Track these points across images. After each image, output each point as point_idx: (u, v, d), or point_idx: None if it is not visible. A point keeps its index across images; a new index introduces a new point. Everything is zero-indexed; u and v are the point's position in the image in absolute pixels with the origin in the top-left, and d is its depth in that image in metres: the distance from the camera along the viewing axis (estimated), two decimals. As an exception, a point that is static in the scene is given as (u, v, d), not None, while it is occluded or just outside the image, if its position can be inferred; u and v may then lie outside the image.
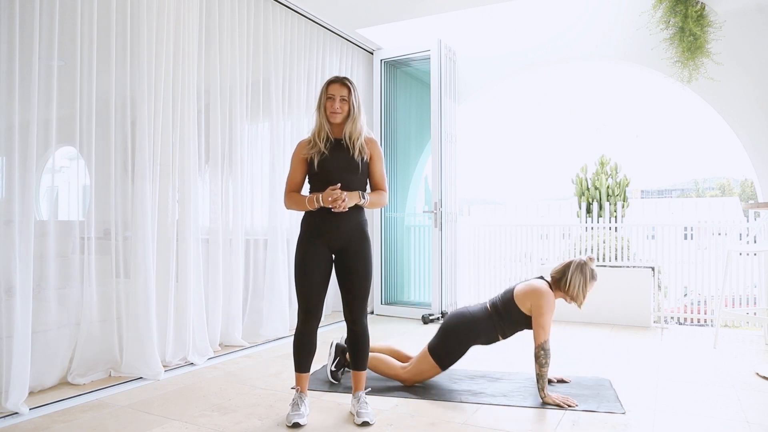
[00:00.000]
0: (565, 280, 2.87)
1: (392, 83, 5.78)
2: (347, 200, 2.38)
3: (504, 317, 2.92)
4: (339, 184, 2.40)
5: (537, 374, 2.78)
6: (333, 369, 3.07)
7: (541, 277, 2.99)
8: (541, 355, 2.76)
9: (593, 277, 2.89)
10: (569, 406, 2.67)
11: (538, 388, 2.78)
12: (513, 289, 2.96)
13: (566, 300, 2.92)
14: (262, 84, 4.33)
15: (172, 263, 3.43)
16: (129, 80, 3.27)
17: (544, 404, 2.71)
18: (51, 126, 2.87)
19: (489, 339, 2.98)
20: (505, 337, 2.98)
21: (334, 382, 3.04)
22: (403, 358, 3.17)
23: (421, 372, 2.97)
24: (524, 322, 2.91)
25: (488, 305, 3.00)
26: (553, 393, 2.81)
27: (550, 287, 2.91)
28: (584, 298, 2.90)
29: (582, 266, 2.88)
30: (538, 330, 2.79)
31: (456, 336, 2.95)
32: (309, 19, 4.75)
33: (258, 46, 4.23)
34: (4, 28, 2.64)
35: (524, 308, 2.87)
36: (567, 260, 2.95)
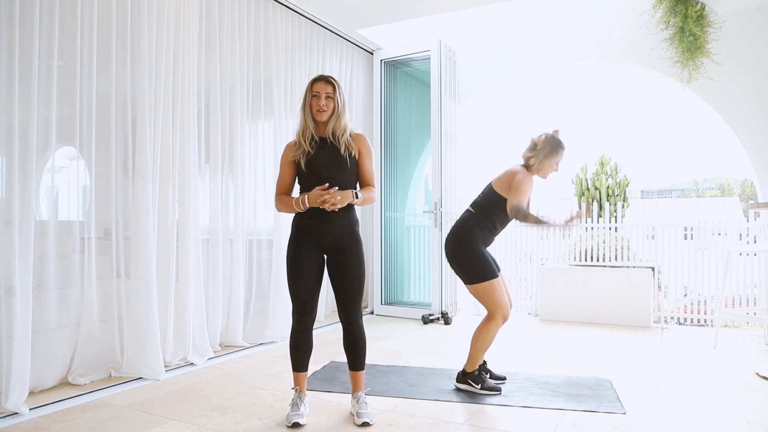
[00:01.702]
0: (536, 153, 2.95)
1: (392, 83, 5.78)
2: (341, 200, 2.36)
3: (490, 209, 2.95)
4: (327, 184, 2.38)
5: (535, 223, 2.80)
6: (491, 385, 2.95)
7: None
8: (516, 212, 2.79)
9: (561, 146, 2.98)
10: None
11: (547, 223, 2.83)
12: (490, 182, 3.03)
13: (540, 175, 2.98)
14: (263, 84, 4.33)
15: (173, 263, 3.43)
16: (129, 80, 3.27)
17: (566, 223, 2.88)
18: (51, 126, 2.87)
19: (488, 232, 2.97)
20: (498, 226, 3.00)
21: (497, 387, 2.94)
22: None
23: (490, 299, 2.88)
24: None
25: (470, 207, 3.03)
26: None
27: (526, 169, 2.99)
28: (556, 165, 2.97)
29: (550, 137, 2.97)
30: (512, 196, 2.84)
31: (461, 253, 2.93)
32: (309, 19, 4.75)
33: (258, 46, 4.23)
34: (4, 28, 2.64)
35: (505, 192, 2.92)
36: (534, 138, 3.02)
